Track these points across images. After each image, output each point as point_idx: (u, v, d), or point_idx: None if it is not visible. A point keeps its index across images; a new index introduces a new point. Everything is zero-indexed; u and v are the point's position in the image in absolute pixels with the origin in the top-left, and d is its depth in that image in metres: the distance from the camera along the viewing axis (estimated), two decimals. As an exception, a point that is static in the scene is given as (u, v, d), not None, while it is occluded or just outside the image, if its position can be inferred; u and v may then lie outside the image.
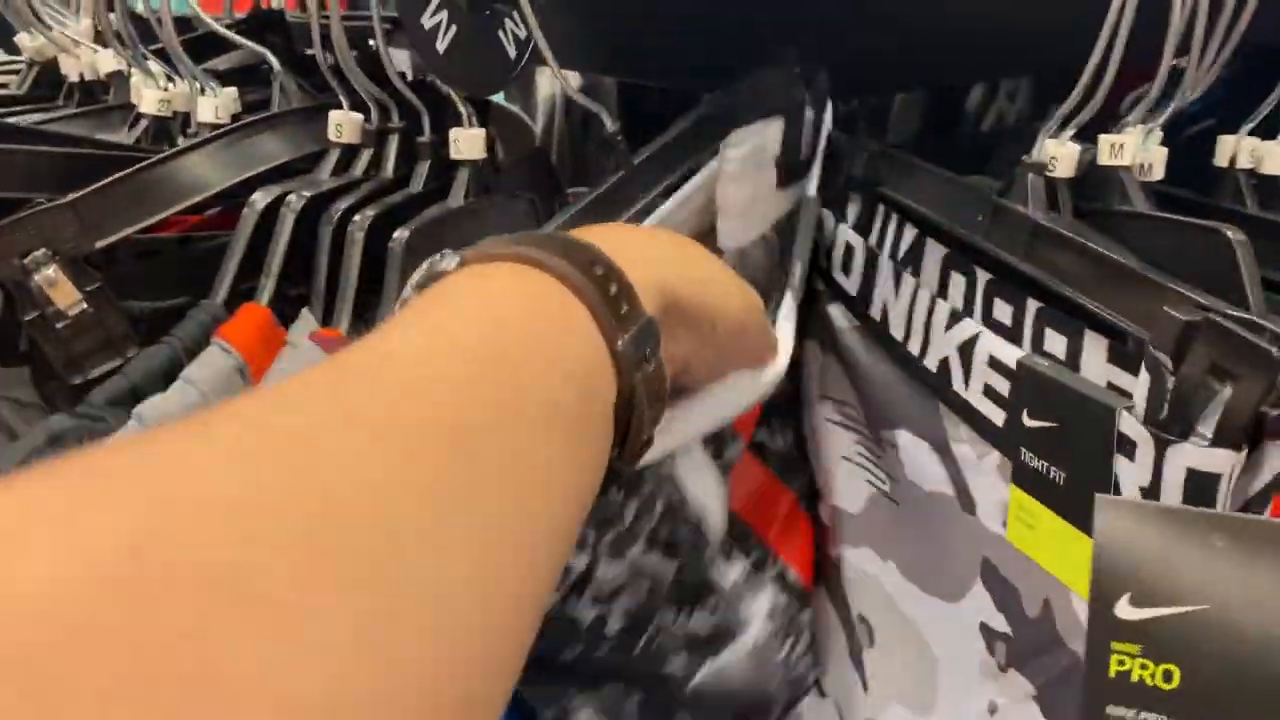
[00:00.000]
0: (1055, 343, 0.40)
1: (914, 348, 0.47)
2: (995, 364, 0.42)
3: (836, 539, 0.56)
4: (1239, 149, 0.48)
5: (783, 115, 0.50)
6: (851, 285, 0.52)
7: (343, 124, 0.50)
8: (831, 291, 0.54)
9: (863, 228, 0.52)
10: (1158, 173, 0.44)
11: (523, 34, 0.45)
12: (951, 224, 0.46)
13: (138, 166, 0.46)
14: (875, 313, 0.50)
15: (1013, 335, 0.42)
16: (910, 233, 0.49)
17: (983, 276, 0.45)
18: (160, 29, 0.50)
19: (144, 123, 0.54)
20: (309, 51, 0.49)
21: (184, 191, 0.47)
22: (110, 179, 0.45)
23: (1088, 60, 0.40)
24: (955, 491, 0.46)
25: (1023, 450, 0.40)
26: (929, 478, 0.47)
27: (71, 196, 0.43)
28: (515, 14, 0.44)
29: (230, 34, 0.54)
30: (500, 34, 0.46)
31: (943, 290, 0.46)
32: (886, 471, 0.52)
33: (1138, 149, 0.43)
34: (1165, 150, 0.44)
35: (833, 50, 0.50)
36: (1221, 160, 0.49)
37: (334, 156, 0.51)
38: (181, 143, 0.50)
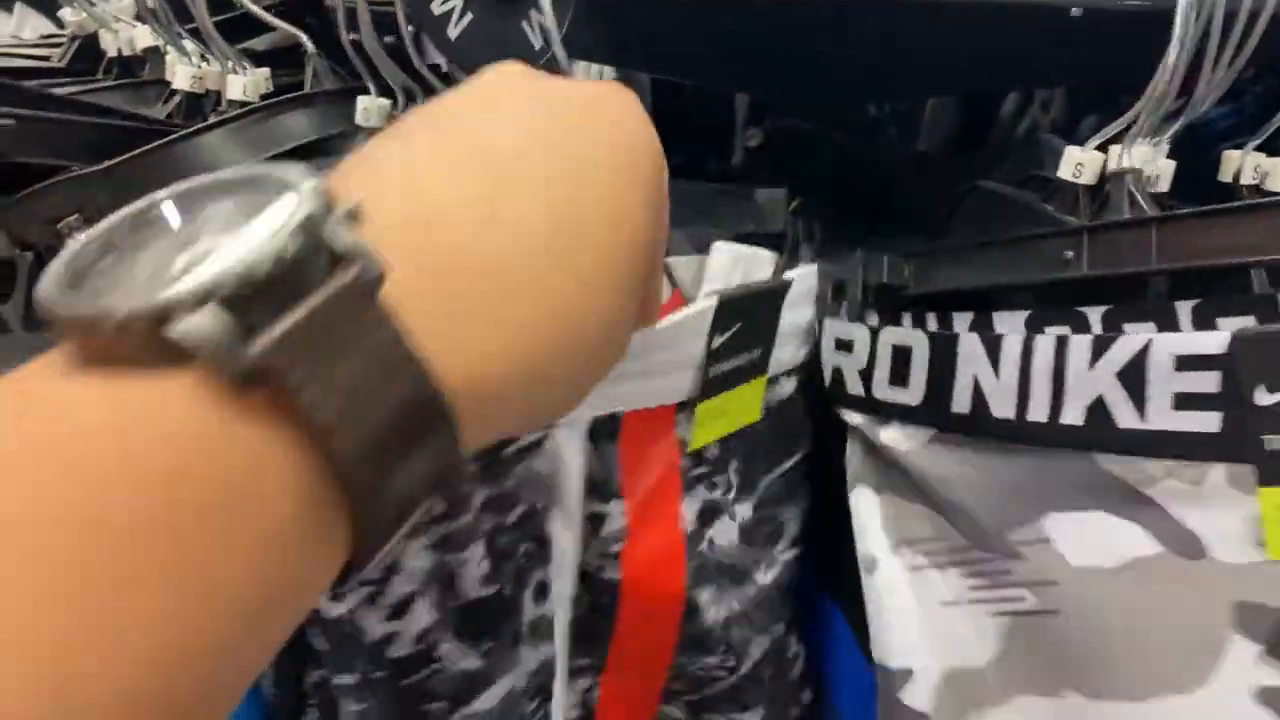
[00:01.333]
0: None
1: (1038, 414, 0.42)
2: (1189, 362, 0.37)
3: (954, 713, 0.46)
4: (1244, 164, 0.49)
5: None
6: (913, 395, 0.46)
7: (370, 109, 0.50)
8: (879, 417, 0.48)
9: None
10: (1164, 185, 0.45)
11: (550, 24, 0.44)
12: (1029, 279, 0.44)
13: (168, 139, 0.46)
14: (962, 406, 0.44)
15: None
16: (963, 319, 0.46)
17: (1095, 312, 0.42)
18: (194, 6, 0.50)
19: (177, 98, 0.55)
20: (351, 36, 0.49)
21: (211, 166, 0.48)
22: (142, 150, 0.45)
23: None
24: (1165, 544, 0.39)
25: (1267, 439, 0.36)
26: (1114, 548, 0.40)
27: (105, 164, 0.44)
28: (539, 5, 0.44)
29: (266, 15, 0.53)
30: (524, 24, 0.44)
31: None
32: (1026, 582, 0.43)
33: (1146, 161, 0.44)
34: (1173, 164, 0.45)
35: (862, 52, 0.51)
36: (1226, 176, 0.49)
37: (360, 140, 0.51)
38: (212, 119, 0.51)
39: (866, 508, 0.49)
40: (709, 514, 0.48)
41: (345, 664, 0.40)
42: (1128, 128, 0.43)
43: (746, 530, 0.50)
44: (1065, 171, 0.45)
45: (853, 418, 0.49)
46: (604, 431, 0.43)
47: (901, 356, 0.46)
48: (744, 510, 0.50)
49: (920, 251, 0.48)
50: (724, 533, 0.49)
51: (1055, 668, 0.42)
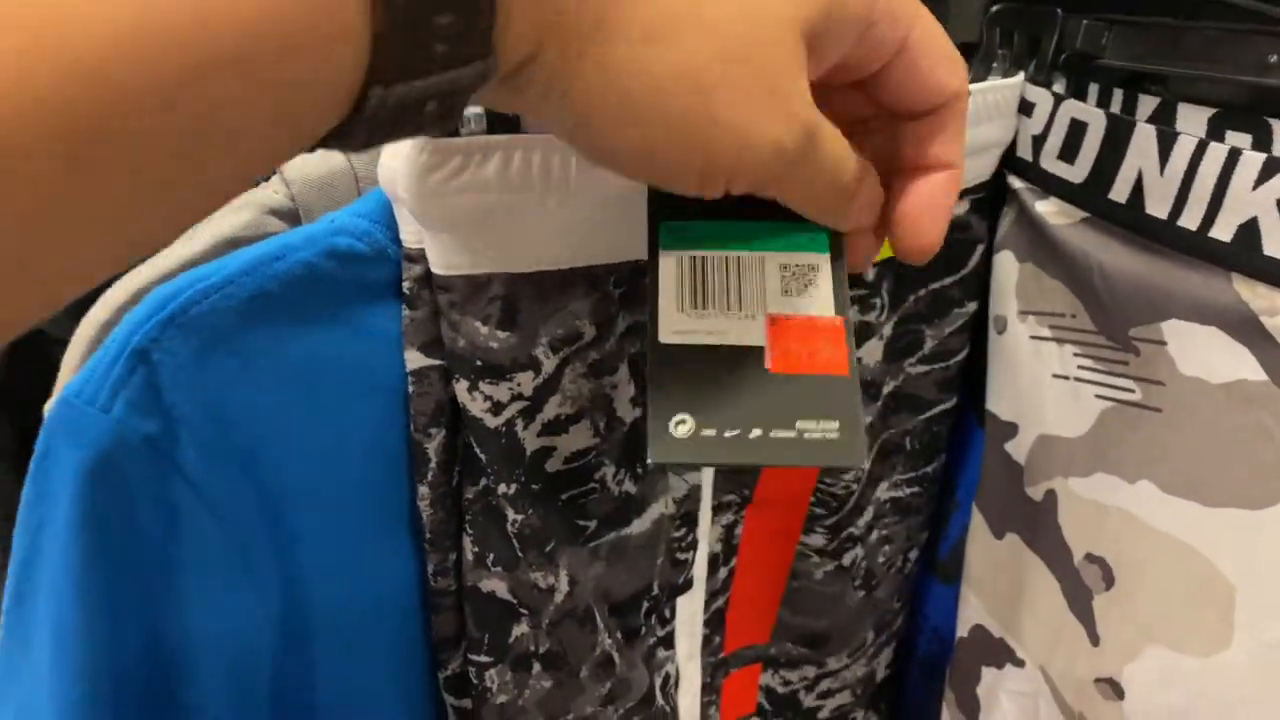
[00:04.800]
0: None
1: (1190, 221, 0.41)
2: None
3: (1042, 473, 0.49)
4: None
5: None
6: (1077, 172, 0.45)
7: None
8: (1038, 187, 0.48)
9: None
10: None
11: None
12: (1218, 74, 0.41)
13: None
14: (1120, 195, 0.44)
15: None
16: (1148, 103, 0.44)
17: None
18: None
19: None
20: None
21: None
22: None
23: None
24: (1271, 375, 0.39)
25: None
26: (1220, 367, 0.41)
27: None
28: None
29: None
30: None
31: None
32: (1137, 376, 0.44)
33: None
34: None
35: None
36: None
37: None
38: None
39: (1006, 272, 0.50)
40: (861, 336, 0.48)
41: (507, 473, 0.39)
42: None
43: (888, 345, 0.50)
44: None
45: (1015, 182, 0.49)
46: None
47: (1077, 131, 0.45)
48: (888, 328, 0.50)
49: (1122, 19, 0.45)
50: (870, 353, 0.50)
51: (1140, 458, 0.44)
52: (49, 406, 0.34)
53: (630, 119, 0.24)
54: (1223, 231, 0.39)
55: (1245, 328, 0.39)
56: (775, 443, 0.28)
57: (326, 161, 0.44)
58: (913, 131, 0.31)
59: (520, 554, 0.41)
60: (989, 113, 0.46)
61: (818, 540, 0.53)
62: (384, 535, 0.41)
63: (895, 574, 0.58)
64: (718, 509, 0.49)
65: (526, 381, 0.38)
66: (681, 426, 0.28)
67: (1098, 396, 0.46)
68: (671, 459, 0.28)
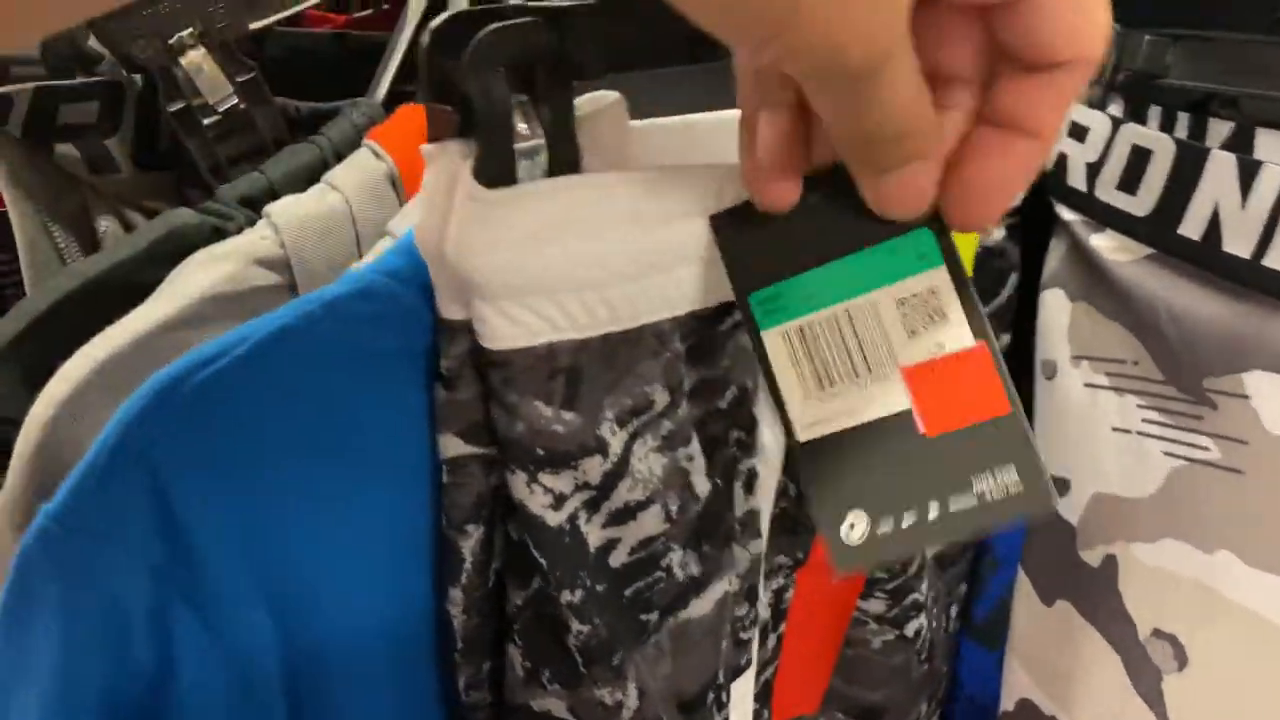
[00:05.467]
0: None
1: (1276, 259, 0.37)
2: None
3: (1100, 536, 0.45)
4: None
5: None
6: (1142, 204, 0.41)
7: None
8: (1095, 220, 0.43)
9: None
10: None
11: None
12: None
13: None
14: (1193, 230, 0.39)
15: None
16: (1220, 128, 0.40)
17: None
18: None
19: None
20: None
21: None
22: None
23: None
24: None
25: None
26: None
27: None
28: None
29: None
30: None
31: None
32: (1215, 434, 0.40)
33: None
34: None
35: None
36: None
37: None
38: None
39: (1056, 311, 0.45)
40: None
41: (569, 578, 0.34)
42: None
43: None
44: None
45: (1065, 213, 0.44)
46: None
47: (1140, 159, 0.40)
48: None
49: (1188, 34, 0.41)
50: None
51: (1219, 525, 0.40)
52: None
53: None
54: (1317, 272, 0.35)
55: (1344, 382, 0.35)
56: (957, 516, 0.26)
57: (321, 200, 0.40)
58: (1018, 85, 0.26)
59: (584, 669, 0.36)
60: None
61: (877, 606, 0.49)
62: (406, 640, 0.36)
63: (943, 637, 0.54)
64: (768, 574, 0.45)
65: (594, 468, 0.33)
66: (855, 530, 0.26)
67: (1166, 454, 0.41)
68: (857, 567, 0.27)
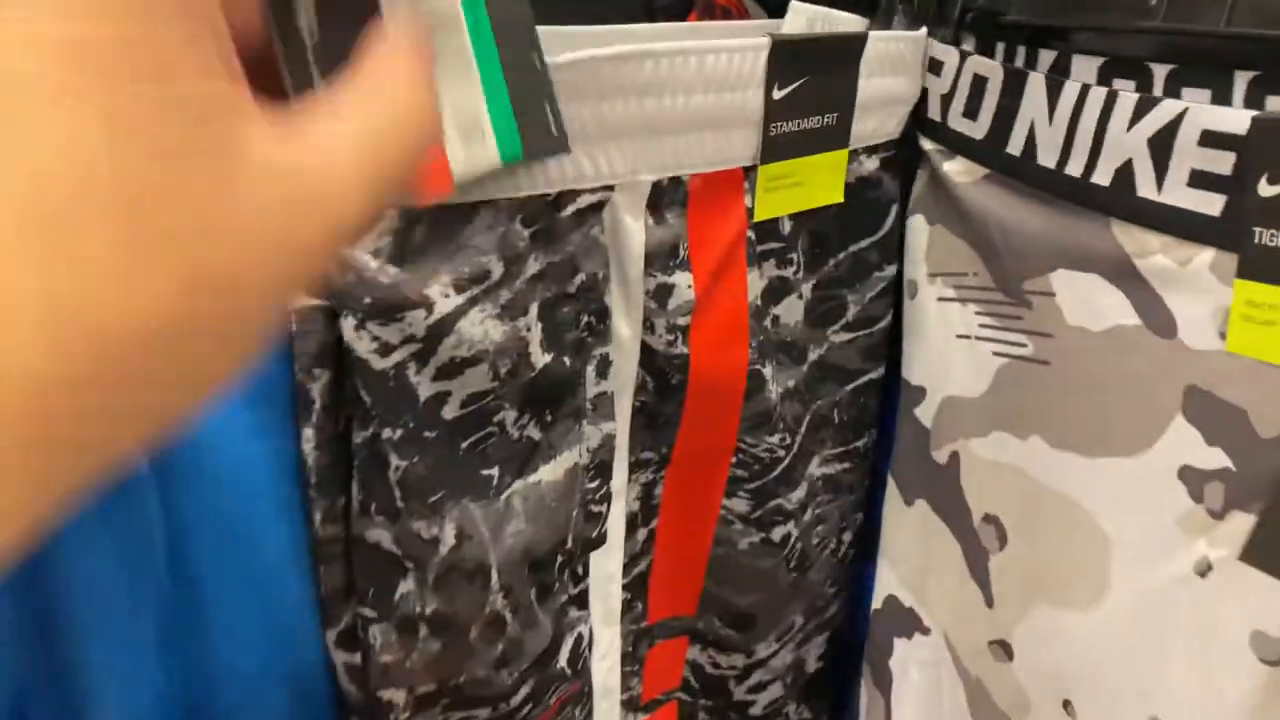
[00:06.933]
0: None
1: (1074, 168, 0.41)
2: (1211, 138, 0.36)
3: (948, 436, 0.49)
4: None
5: None
6: (980, 128, 0.46)
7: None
8: (946, 148, 0.48)
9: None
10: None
11: None
12: (1107, 24, 0.41)
13: None
14: (1015, 148, 0.44)
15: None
16: (1047, 57, 0.44)
17: (1161, 70, 0.39)
18: None
19: None
20: None
21: None
22: None
23: None
24: (1143, 318, 0.39)
25: (1257, 232, 0.34)
26: (1101, 313, 0.41)
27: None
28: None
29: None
30: None
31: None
32: (1029, 330, 0.44)
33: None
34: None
35: None
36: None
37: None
38: None
39: (918, 234, 0.50)
40: (778, 291, 0.48)
41: (392, 418, 0.38)
42: None
43: (809, 308, 0.50)
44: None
45: (925, 144, 0.49)
46: (670, 199, 0.42)
47: (979, 86, 0.45)
48: (806, 288, 0.49)
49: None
50: (790, 311, 0.49)
51: (1031, 413, 0.44)
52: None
53: None
54: (1102, 176, 0.39)
55: (1120, 272, 0.39)
56: None
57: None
58: None
59: (401, 502, 0.40)
60: (893, 66, 0.46)
61: (740, 505, 0.53)
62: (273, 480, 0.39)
63: (829, 556, 0.58)
64: (636, 466, 0.49)
65: (418, 322, 0.37)
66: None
67: (995, 354, 0.45)
68: None
